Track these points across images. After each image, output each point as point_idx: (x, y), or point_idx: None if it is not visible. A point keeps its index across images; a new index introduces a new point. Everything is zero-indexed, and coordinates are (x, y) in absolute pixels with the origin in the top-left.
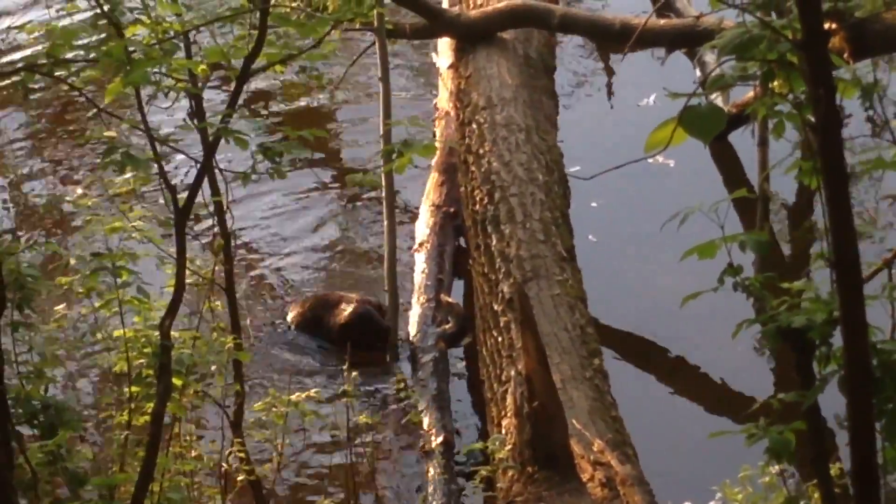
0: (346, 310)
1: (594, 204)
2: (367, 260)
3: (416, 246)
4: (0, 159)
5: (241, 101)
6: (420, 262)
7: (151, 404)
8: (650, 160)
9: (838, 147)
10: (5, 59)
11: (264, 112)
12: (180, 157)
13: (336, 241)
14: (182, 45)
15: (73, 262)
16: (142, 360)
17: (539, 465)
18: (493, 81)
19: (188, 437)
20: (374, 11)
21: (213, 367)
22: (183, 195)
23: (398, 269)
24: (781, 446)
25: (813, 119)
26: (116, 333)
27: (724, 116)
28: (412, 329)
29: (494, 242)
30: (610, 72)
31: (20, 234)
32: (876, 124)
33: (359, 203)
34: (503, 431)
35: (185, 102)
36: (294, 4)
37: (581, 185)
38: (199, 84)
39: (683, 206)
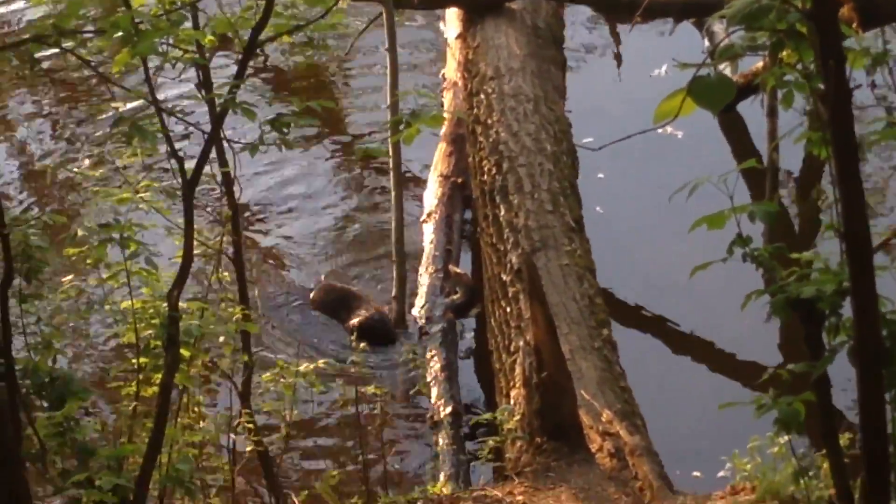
0: (361, 315)
1: (601, 175)
2: (374, 230)
3: (424, 216)
4: (9, 131)
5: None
6: (428, 232)
7: (159, 375)
8: (658, 131)
9: (848, 118)
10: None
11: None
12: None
13: (343, 212)
14: (189, 15)
15: (80, 233)
16: (150, 331)
17: (548, 435)
18: (501, 51)
19: (196, 408)
20: None
21: (221, 338)
22: (191, 166)
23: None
24: (790, 417)
25: (822, 89)
26: (124, 304)
27: (732, 87)
28: (420, 300)
29: (503, 213)
30: (618, 42)
31: (29, 204)
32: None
33: (366, 174)
34: (512, 402)
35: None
36: None
37: (588, 156)
38: (207, 55)
39: (692, 177)
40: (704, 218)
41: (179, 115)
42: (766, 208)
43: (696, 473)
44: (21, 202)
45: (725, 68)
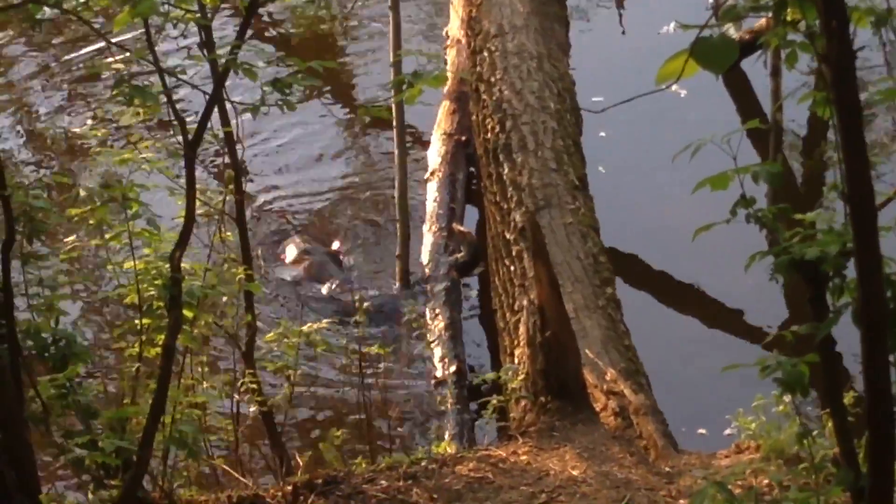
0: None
1: (602, 134)
2: (377, 190)
3: (427, 175)
4: (12, 90)
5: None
6: (432, 191)
7: (162, 336)
8: (663, 88)
9: (852, 79)
10: None
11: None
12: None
13: (347, 172)
14: None
15: (82, 193)
16: (152, 292)
17: (552, 394)
18: (505, 9)
19: (200, 369)
20: None
21: (224, 299)
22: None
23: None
24: (795, 379)
25: (826, 49)
26: (127, 265)
27: (735, 48)
28: (424, 258)
29: (506, 171)
30: None
31: (30, 165)
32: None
33: (369, 133)
34: (516, 361)
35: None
36: None
37: (590, 115)
38: (209, 15)
39: (696, 136)
40: (707, 179)
41: (179, 76)
42: (770, 169)
43: (702, 431)
44: (23, 163)
45: (729, 27)
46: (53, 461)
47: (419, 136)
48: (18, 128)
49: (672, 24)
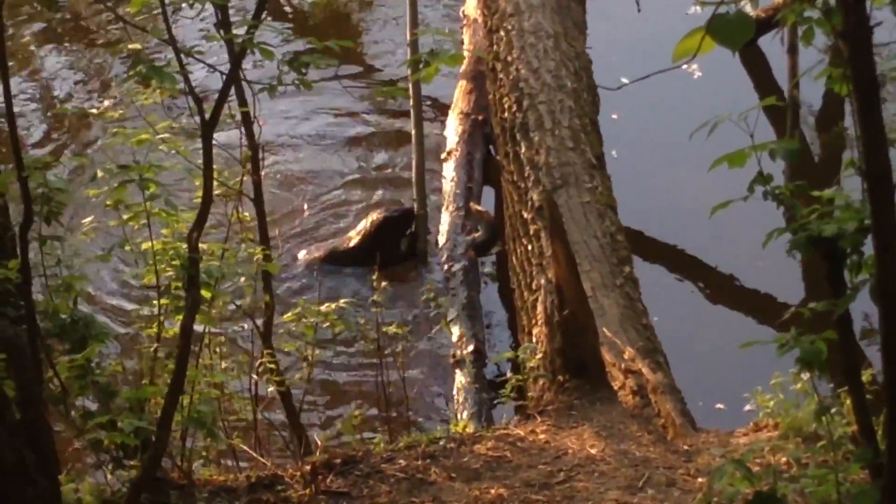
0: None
1: (614, 116)
2: (395, 168)
3: (444, 154)
4: (29, 72)
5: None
6: (449, 170)
7: (180, 317)
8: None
9: (868, 55)
10: None
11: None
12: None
13: (364, 151)
14: None
15: (100, 174)
16: (170, 273)
17: (570, 373)
18: None
19: (218, 349)
20: None
21: (242, 279)
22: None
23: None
24: (813, 356)
25: (842, 25)
26: (145, 246)
27: (752, 24)
28: (441, 238)
29: (523, 150)
30: None
31: (48, 145)
32: None
33: (386, 112)
34: (534, 340)
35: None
36: None
37: (606, 97)
38: None
39: (712, 114)
40: (725, 156)
41: (197, 56)
42: (787, 146)
43: (720, 406)
44: (41, 144)
45: (745, 5)
46: (72, 441)
47: (436, 115)
48: (36, 109)
49: (697, 5)
